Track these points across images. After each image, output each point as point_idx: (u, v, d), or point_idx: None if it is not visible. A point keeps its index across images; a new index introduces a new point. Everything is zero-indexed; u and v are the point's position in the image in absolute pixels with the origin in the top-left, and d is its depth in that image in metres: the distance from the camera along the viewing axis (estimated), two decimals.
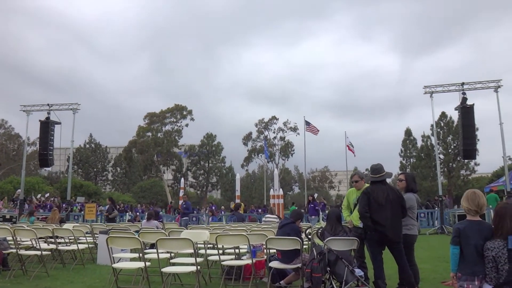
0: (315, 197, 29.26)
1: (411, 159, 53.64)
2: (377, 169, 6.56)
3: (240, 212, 18.00)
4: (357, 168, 70.09)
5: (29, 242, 9.57)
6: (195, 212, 37.11)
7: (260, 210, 33.29)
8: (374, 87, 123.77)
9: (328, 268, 6.34)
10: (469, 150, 21.27)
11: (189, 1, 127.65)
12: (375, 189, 6.41)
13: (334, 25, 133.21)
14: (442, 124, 49.07)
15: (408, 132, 54.81)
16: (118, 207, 36.81)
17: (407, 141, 54.45)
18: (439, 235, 19.17)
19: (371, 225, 6.26)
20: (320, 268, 6.22)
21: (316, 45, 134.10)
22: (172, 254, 8.17)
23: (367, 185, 7.50)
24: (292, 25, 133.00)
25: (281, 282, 7.19)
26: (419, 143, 52.87)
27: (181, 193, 24.79)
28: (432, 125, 28.01)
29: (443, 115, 49.17)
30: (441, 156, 46.85)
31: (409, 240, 6.73)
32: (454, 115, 43.56)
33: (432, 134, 44.16)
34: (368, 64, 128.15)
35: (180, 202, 22.34)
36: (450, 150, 48.79)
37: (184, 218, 20.11)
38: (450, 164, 48.68)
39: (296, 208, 20.76)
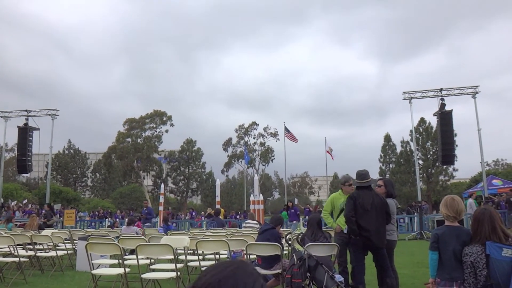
0: (295, 203, 29.38)
1: (391, 165, 54.08)
2: (363, 175, 6.62)
3: (220, 217, 17.96)
4: (337, 174, 70.79)
5: (7, 249, 9.42)
6: (175, 218, 37.04)
7: (239, 216, 33.29)
8: (353, 92, 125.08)
9: (308, 274, 6.37)
10: (448, 155, 21.55)
11: (168, 7, 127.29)
12: (361, 194, 6.46)
13: (313, 30, 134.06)
14: (421, 130, 49.57)
15: (387, 138, 55.30)
16: (97, 213, 36.58)
17: (387, 147, 54.91)
18: (418, 240, 19.33)
19: (356, 229, 6.32)
20: (300, 274, 6.25)
21: (295, 51, 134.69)
22: (152, 260, 8.13)
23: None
24: (272, 30, 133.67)
25: None
26: (399, 149, 53.39)
27: (161, 199, 24.57)
28: (411, 131, 28.30)
29: (422, 120, 49.68)
30: (420, 162, 47.36)
31: (389, 246, 6.80)
32: (433, 121, 44.11)
33: (411, 140, 44.63)
34: (347, 69, 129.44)
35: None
36: (429, 156, 49.30)
37: (147, 224, 19.82)
38: (429, 169, 49.19)
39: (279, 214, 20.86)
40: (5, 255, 9.37)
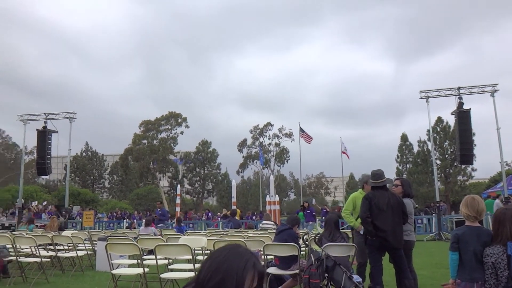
0: (313, 203, 29.31)
1: (408, 165, 53.71)
2: (378, 175, 6.56)
3: (237, 218, 18.02)
4: (353, 174, 70.51)
5: (29, 250, 9.59)
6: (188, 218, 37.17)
7: (254, 217, 33.28)
8: (369, 92, 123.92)
9: (326, 274, 6.36)
10: (466, 155, 21.25)
11: (181, 9, 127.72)
12: (376, 195, 6.40)
13: (327, 30, 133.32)
14: (438, 129, 49.10)
15: (404, 138, 54.93)
16: (115, 214, 36.90)
17: (403, 147, 54.55)
18: (437, 241, 19.18)
19: (372, 230, 6.29)
20: (318, 274, 6.25)
21: (309, 51, 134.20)
22: (170, 260, 8.20)
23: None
24: (285, 31, 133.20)
25: None
26: (416, 149, 52.99)
27: (177, 200, 24.72)
28: (428, 130, 27.96)
29: (439, 120, 49.21)
30: (438, 162, 46.93)
31: (408, 246, 6.75)
32: (451, 120, 43.70)
33: (429, 140, 44.24)
34: (362, 69, 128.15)
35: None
36: (447, 156, 48.83)
37: (160, 225, 19.89)
38: (447, 169, 48.72)
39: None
40: (28, 255, 9.53)
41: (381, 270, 6.37)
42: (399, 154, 54.66)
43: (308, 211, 22.56)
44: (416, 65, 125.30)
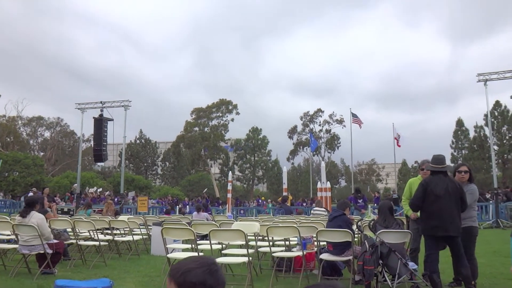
0: (367, 190, 28.65)
1: (463, 151, 52.05)
2: (439, 159, 6.32)
3: (288, 204, 18.01)
4: (406, 161, 68.92)
5: (87, 234, 9.96)
6: (242, 205, 37.59)
7: (305, 204, 33.15)
8: (423, 76, 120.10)
9: (381, 261, 6.27)
10: None
11: None
12: (434, 180, 6.18)
13: (380, 13, 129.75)
14: (496, 114, 47.23)
15: (459, 123, 53.19)
16: (167, 200, 37.77)
17: (459, 132, 52.85)
18: (494, 229, 18.56)
19: (425, 219, 6.13)
20: (372, 261, 6.15)
21: (361, 35, 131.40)
22: (223, 245, 8.30)
23: None
24: (337, 14, 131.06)
25: None
26: (471, 134, 51.21)
27: (229, 186, 24.94)
28: (485, 115, 26.97)
29: (497, 104, 47.30)
30: (496, 147, 45.18)
31: (474, 232, 6.55)
32: (509, 104, 41.98)
33: (486, 124, 42.61)
34: (416, 52, 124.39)
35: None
36: (505, 141, 46.96)
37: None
38: (505, 155, 46.90)
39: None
40: (86, 239, 9.90)
41: (437, 257, 6.18)
42: (454, 140, 53.01)
43: (361, 200, 21.97)
44: (473, 47, 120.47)
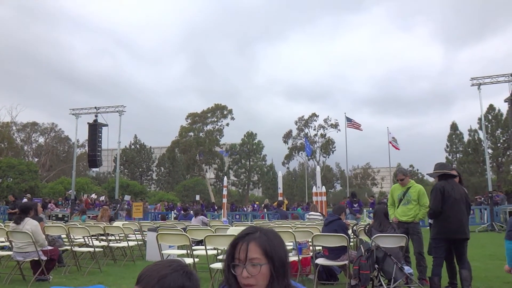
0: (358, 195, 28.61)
1: (458, 154, 52.25)
2: (444, 164, 6.56)
3: (283, 209, 17.98)
4: (401, 164, 69.00)
5: (82, 240, 9.91)
6: (238, 210, 37.51)
7: (301, 208, 33.08)
8: (416, 80, 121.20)
9: (376, 266, 6.27)
10: None
11: (226, 0, 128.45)
12: (450, 184, 6.32)
13: (372, 18, 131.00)
14: (490, 117, 47.50)
15: (454, 127, 53.42)
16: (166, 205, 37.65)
17: (453, 136, 53.08)
18: (489, 232, 18.59)
19: (443, 222, 6.21)
20: (368, 265, 6.15)
21: (354, 39, 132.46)
22: (219, 251, 8.28)
23: (412, 181, 7.44)
24: (330, 19, 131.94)
25: None
26: (466, 138, 51.44)
27: (224, 191, 24.92)
28: (479, 119, 27.09)
29: (491, 107, 47.60)
30: (490, 151, 45.39)
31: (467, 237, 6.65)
32: (503, 108, 42.15)
33: (480, 128, 42.82)
34: (409, 56, 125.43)
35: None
36: (499, 144, 47.23)
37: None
38: (500, 158, 47.15)
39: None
40: (81, 245, 9.85)
41: (442, 262, 6.33)
42: (448, 144, 53.23)
43: (356, 205, 21.91)
44: (466, 51, 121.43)
